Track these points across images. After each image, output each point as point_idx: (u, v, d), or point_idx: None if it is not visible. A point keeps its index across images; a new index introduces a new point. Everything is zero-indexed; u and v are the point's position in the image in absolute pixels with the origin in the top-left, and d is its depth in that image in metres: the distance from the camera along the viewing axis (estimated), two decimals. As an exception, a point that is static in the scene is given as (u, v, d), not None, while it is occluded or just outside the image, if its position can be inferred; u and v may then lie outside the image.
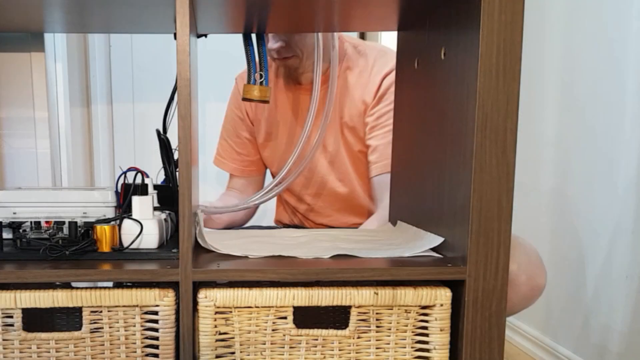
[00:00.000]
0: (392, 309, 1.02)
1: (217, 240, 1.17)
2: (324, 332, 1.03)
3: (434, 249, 1.11)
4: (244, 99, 1.45)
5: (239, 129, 1.94)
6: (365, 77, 1.77)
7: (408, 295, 1.01)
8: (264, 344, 1.02)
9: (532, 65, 2.57)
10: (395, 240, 1.25)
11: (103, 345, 1.01)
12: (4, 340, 0.99)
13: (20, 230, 1.12)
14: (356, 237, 1.33)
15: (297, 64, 1.73)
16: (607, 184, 2.16)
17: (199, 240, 1.16)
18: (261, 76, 1.41)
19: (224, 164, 1.98)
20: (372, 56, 1.80)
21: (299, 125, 1.82)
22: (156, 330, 1.01)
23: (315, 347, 1.03)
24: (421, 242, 1.13)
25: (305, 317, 1.24)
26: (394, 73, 1.67)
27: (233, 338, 1.02)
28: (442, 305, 1.02)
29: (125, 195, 1.18)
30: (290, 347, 1.03)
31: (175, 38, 0.98)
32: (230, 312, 1.01)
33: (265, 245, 1.17)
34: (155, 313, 1.00)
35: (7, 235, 1.13)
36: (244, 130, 1.94)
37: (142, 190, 1.17)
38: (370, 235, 1.36)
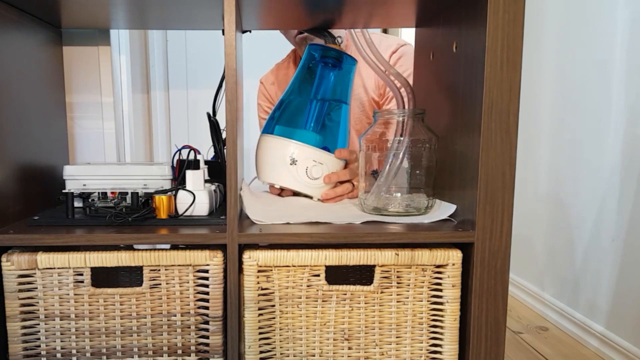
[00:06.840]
0: (410, 268, 1.02)
1: (259, 211, 1.16)
2: (352, 287, 1.02)
3: (449, 215, 1.10)
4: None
5: None
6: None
7: (424, 256, 1.00)
8: (300, 298, 1.02)
9: (531, 59, 2.54)
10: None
11: (161, 299, 1.01)
12: (75, 294, 1.00)
13: (89, 200, 1.13)
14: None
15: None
16: (596, 159, 2.13)
17: (244, 209, 1.16)
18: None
19: None
20: (377, 39, 1.74)
21: None
22: (207, 286, 1.01)
23: (344, 300, 1.02)
24: (438, 212, 1.12)
25: (336, 274, 1.24)
26: (402, 48, 1.65)
27: (273, 293, 1.01)
28: (454, 264, 1.01)
29: (180, 169, 1.18)
30: (323, 301, 1.02)
31: (223, 34, 0.97)
32: (271, 270, 1.00)
33: (303, 211, 1.16)
34: (206, 271, 1.00)
35: (77, 204, 1.13)
36: None
37: (194, 165, 1.17)
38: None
